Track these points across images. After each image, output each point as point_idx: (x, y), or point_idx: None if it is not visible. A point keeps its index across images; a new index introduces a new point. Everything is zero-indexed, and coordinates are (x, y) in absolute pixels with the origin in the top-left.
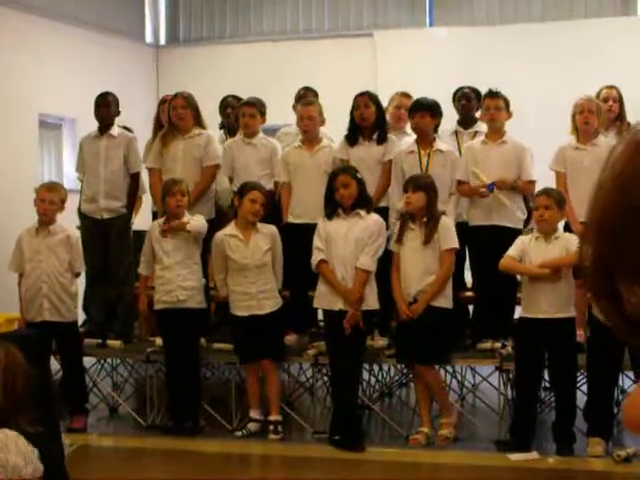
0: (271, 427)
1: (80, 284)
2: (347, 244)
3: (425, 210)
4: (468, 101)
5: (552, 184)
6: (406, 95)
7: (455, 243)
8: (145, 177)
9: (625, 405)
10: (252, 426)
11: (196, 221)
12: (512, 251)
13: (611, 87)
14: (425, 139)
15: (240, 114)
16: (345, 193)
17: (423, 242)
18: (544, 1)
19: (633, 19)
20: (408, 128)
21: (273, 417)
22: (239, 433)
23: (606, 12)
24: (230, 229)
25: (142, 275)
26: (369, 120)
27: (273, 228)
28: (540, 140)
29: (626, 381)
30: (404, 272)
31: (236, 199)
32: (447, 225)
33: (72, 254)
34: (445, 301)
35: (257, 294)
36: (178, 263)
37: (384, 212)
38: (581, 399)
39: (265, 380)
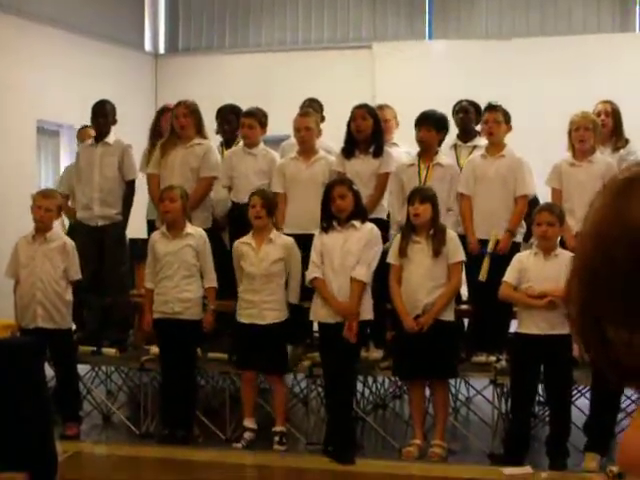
0: (276, 438)
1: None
2: (343, 256)
3: (431, 222)
4: (467, 114)
5: (548, 199)
6: (386, 107)
7: (463, 256)
8: (142, 184)
9: (621, 442)
10: (248, 435)
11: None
12: (510, 277)
13: (606, 102)
14: (428, 152)
15: (240, 124)
16: (342, 204)
17: (432, 255)
18: (543, 16)
19: (631, 35)
20: (396, 139)
21: (278, 428)
22: (239, 445)
23: (605, 28)
24: (247, 237)
25: (147, 289)
26: (366, 133)
27: (290, 240)
28: (538, 155)
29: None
30: (411, 285)
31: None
32: (454, 238)
33: (68, 262)
34: (450, 314)
35: (260, 303)
36: (176, 274)
37: (377, 223)
38: (575, 414)
39: (271, 391)
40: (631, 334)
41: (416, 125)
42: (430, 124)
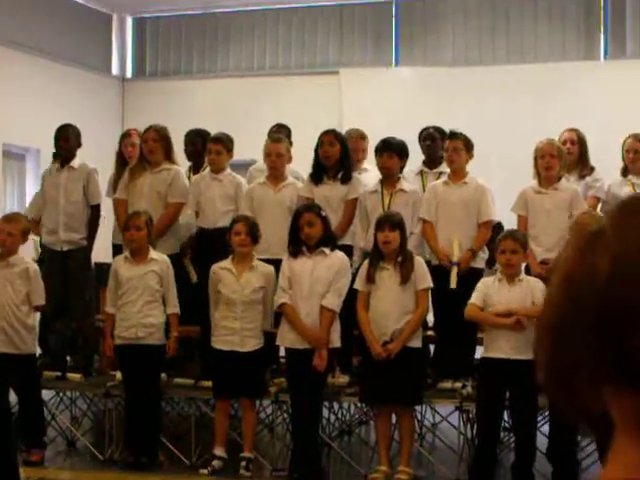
0: (243, 463)
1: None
2: (312, 282)
3: (399, 249)
4: (433, 141)
5: (514, 226)
6: (363, 137)
7: (430, 282)
8: (109, 209)
9: None
10: (216, 463)
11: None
12: (475, 299)
13: (571, 130)
14: (390, 179)
15: (207, 150)
16: (310, 232)
17: (400, 281)
18: (509, 44)
19: (596, 63)
20: (366, 163)
21: (246, 454)
22: (205, 471)
23: (570, 56)
24: (226, 262)
25: (109, 313)
26: (333, 158)
27: (270, 269)
28: (503, 181)
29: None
30: (378, 311)
31: (229, 235)
32: (422, 264)
33: (31, 286)
34: (418, 341)
35: (241, 330)
36: (139, 300)
37: (346, 250)
38: (541, 440)
39: (242, 417)
40: (600, 384)
41: (377, 152)
42: (391, 151)
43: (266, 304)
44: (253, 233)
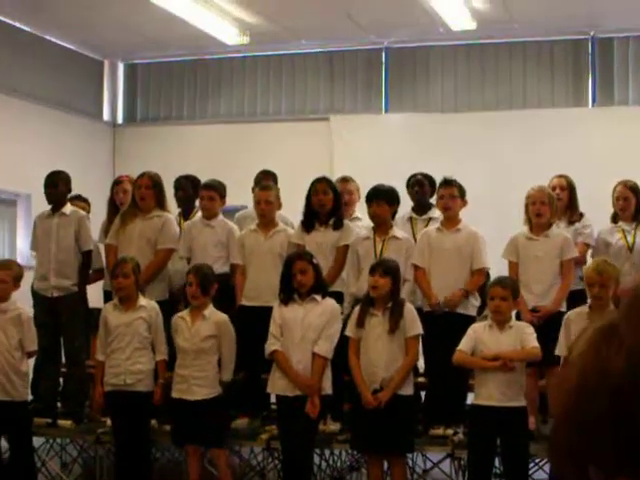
0: None
1: (30, 362)
2: (304, 330)
3: (390, 295)
4: (421, 187)
5: (505, 272)
6: (346, 180)
7: (420, 329)
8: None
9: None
10: None
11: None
12: (464, 345)
13: (561, 176)
14: (382, 227)
15: (200, 197)
16: (303, 279)
17: (389, 329)
18: (498, 90)
19: (585, 110)
20: (357, 211)
21: None
22: None
23: (559, 103)
24: (184, 312)
25: (99, 361)
26: (327, 207)
27: (222, 317)
28: (493, 227)
29: None
30: (368, 358)
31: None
32: (412, 311)
33: (23, 333)
34: (409, 388)
35: (189, 378)
36: (128, 347)
37: (336, 296)
38: None
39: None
40: (614, 475)
41: (367, 200)
42: (381, 198)
43: (222, 354)
44: (204, 284)
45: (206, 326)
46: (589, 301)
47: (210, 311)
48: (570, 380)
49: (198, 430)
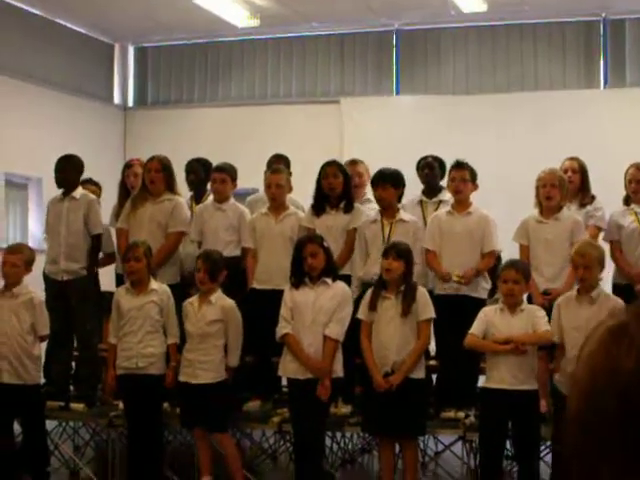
0: None
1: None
2: (315, 313)
3: (402, 279)
4: (431, 170)
5: (516, 255)
6: (354, 162)
7: (432, 313)
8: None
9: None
10: None
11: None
12: (475, 329)
13: (572, 159)
14: (389, 210)
15: (211, 180)
16: (314, 263)
17: (401, 312)
18: (509, 72)
19: (596, 91)
20: (368, 193)
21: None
22: None
23: (570, 84)
24: (193, 298)
25: (111, 344)
26: (338, 190)
27: (229, 302)
28: (504, 210)
29: None
30: (380, 341)
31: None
32: (425, 295)
33: (35, 316)
34: (420, 372)
35: (195, 362)
36: (140, 330)
37: (345, 280)
38: (544, 470)
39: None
40: (622, 476)
41: (373, 184)
42: (386, 182)
43: (230, 339)
44: (212, 271)
45: (212, 310)
46: (576, 285)
47: (217, 296)
48: (581, 380)
49: (203, 414)
